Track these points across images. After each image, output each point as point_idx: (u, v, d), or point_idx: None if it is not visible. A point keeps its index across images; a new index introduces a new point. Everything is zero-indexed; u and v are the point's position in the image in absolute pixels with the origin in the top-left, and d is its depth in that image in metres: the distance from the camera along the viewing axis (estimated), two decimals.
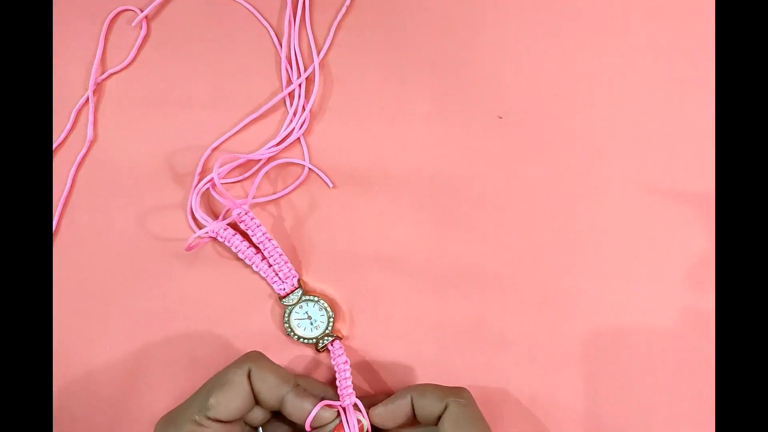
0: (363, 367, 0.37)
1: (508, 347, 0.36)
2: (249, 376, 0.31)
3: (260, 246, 0.36)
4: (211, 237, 0.37)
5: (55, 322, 0.37)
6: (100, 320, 0.37)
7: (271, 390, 0.31)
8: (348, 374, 0.35)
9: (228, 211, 0.37)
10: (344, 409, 0.33)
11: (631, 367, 0.36)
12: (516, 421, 0.36)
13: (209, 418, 0.30)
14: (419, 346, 0.37)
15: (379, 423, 0.33)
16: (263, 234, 0.36)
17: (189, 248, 0.36)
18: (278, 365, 0.33)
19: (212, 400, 0.30)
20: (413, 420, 0.33)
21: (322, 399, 0.32)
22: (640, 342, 0.36)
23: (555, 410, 0.36)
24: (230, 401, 0.31)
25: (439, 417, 0.32)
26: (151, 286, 0.37)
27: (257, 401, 0.32)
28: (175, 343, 0.37)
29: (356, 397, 0.34)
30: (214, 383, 0.31)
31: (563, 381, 0.36)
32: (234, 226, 0.37)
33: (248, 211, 0.37)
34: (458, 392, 0.32)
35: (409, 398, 0.33)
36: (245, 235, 0.37)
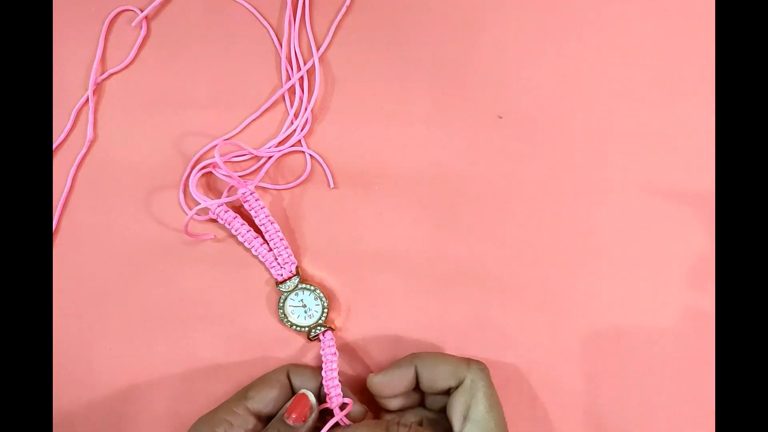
0: (361, 366, 0.37)
1: (508, 347, 0.36)
2: (288, 376, 0.34)
3: (262, 228, 0.36)
4: (203, 219, 0.37)
5: (55, 322, 0.37)
6: (100, 320, 0.37)
7: (311, 380, 0.34)
8: (334, 365, 0.35)
9: (231, 189, 0.37)
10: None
11: (632, 367, 0.36)
12: (516, 421, 0.36)
13: (248, 410, 0.32)
14: (419, 346, 0.37)
15: (377, 391, 0.34)
16: (266, 216, 0.36)
17: (188, 233, 0.36)
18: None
19: (252, 393, 0.33)
20: (414, 388, 0.34)
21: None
22: (640, 342, 0.36)
23: (555, 410, 0.36)
24: (268, 393, 0.33)
25: (450, 389, 0.33)
26: (151, 286, 0.37)
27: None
28: (175, 343, 0.37)
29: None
30: (254, 381, 0.34)
31: (563, 381, 0.36)
32: (234, 209, 0.37)
33: (253, 192, 0.37)
34: (472, 364, 0.33)
35: (413, 368, 0.33)
36: (246, 220, 0.37)
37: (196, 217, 0.37)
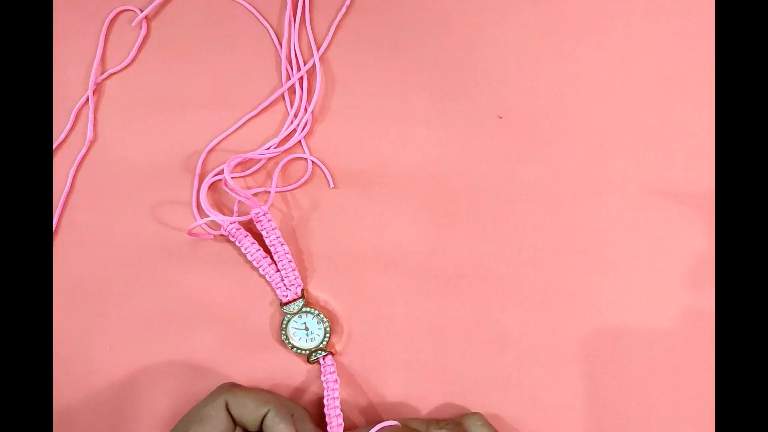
0: (360, 367, 0.37)
1: (508, 347, 0.36)
2: (227, 408, 0.32)
3: (272, 249, 0.36)
4: (214, 233, 0.37)
5: (55, 322, 0.37)
6: (100, 320, 0.37)
7: (252, 413, 0.32)
8: (336, 394, 0.35)
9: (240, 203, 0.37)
10: None
11: (631, 367, 0.36)
12: (516, 421, 0.36)
13: None
14: (419, 346, 0.37)
15: None
16: (277, 238, 0.36)
17: (190, 233, 0.36)
18: (254, 389, 0.34)
19: None
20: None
21: (292, 415, 0.33)
22: (640, 342, 0.36)
23: (555, 410, 0.36)
24: None
25: None
26: (151, 286, 0.37)
27: (242, 425, 0.33)
28: (175, 343, 0.37)
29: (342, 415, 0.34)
30: (192, 418, 0.32)
31: (563, 381, 0.36)
32: (243, 225, 0.37)
33: (266, 212, 0.37)
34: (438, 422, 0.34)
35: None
36: (255, 236, 0.37)
37: (207, 229, 0.37)
